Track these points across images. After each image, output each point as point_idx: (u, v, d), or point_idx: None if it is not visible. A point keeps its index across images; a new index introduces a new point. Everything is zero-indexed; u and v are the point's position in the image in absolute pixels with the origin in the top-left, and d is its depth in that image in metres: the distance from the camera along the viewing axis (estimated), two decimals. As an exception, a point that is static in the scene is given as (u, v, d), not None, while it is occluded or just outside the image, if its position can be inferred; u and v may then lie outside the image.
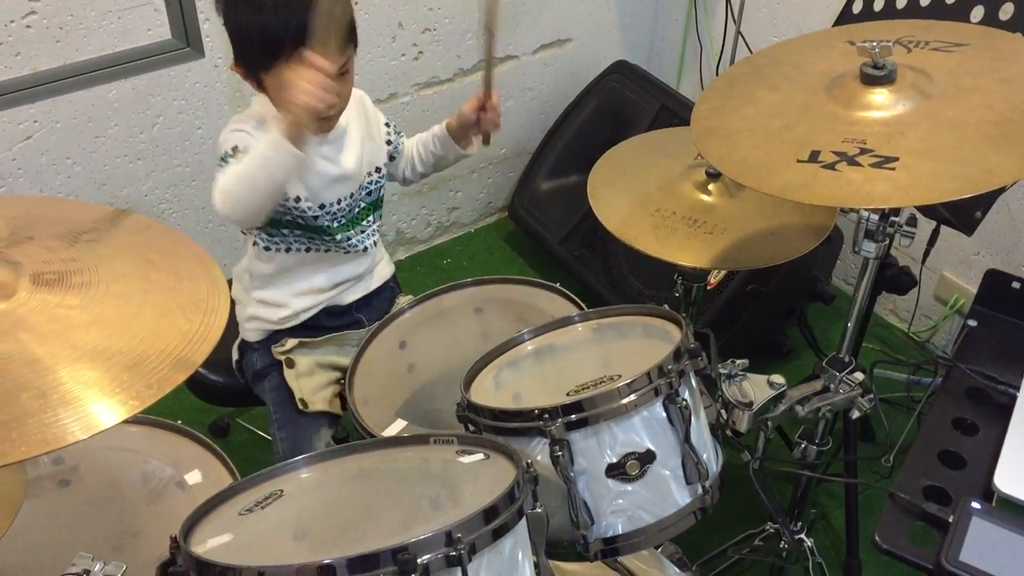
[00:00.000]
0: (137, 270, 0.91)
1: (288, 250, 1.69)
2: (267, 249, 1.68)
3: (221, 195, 1.45)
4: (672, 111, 2.63)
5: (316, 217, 1.64)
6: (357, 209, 1.72)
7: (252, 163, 1.44)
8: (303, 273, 1.72)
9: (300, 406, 1.68)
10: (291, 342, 1.73)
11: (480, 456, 1.22)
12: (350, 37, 1.52)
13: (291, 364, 1.71)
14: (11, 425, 0.73)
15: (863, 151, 1.24)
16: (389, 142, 1.78)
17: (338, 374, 1.76)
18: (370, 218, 1.76)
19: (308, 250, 1.70)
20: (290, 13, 1.43)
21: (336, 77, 1.48)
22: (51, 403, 0.75)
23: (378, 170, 1.75)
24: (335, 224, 1.68)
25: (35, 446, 0.72)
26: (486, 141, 1.79)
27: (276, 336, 1.75)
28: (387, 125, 1.79)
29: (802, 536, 1.79)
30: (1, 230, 0.97)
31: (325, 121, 1.57)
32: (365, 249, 1.75)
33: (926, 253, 2.02)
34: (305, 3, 1.43)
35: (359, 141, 1.69)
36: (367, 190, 1.73)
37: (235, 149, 1.50)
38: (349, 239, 1.71)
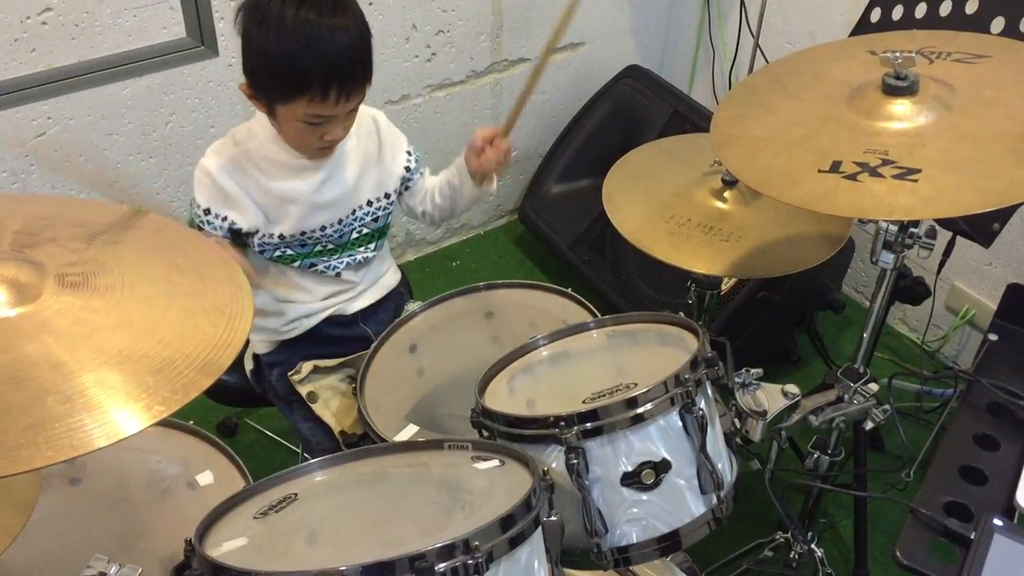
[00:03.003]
0: (161, 273, 0.91)
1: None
2: None
3: None
4: (684, 116, 2.62)
5: (289, 245, 1.62)
6: (354, 234, 1.68)
7: None
8: (278, 279, 1.68)
9: (341, 439, 1.65)
10: (306, 368, 1.70)
11: (495, 462, 1.21)
12: (365, 79, 1.49)
13: (314, 398, 1.69)
14: (37, 429, 0.72)
15: (885, 162, 1.24)
16: (408, 168, 1.72)
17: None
18: (370, 244, 1.71)
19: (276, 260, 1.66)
20: (322, 52, 1.42)
21: (334, 119, 1.49)
22: (77, 408, 0.75)
23: (387, 196, 1.70)
24: (317, 248, 1.65)
25: (62, 451, 0.71)
26: (479, 180, 1.69)
27: (285, 353, 1.73)
28: (409, 153, 1.72)
29: (812, 546, 1.78)
30: (22, 230, 0.97)
31: (323, 151, 1.56)
32: (338, 274, 1.70)
33: (941, 264, 2.02)
34: (338, 41, 1.42)
35: (358, 167, 1.64)
36: (373, 216, 1.69)
37: (194, 200, 1.57)
38: (329, 262, 1.68)
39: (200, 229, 1.58)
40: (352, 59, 1.44)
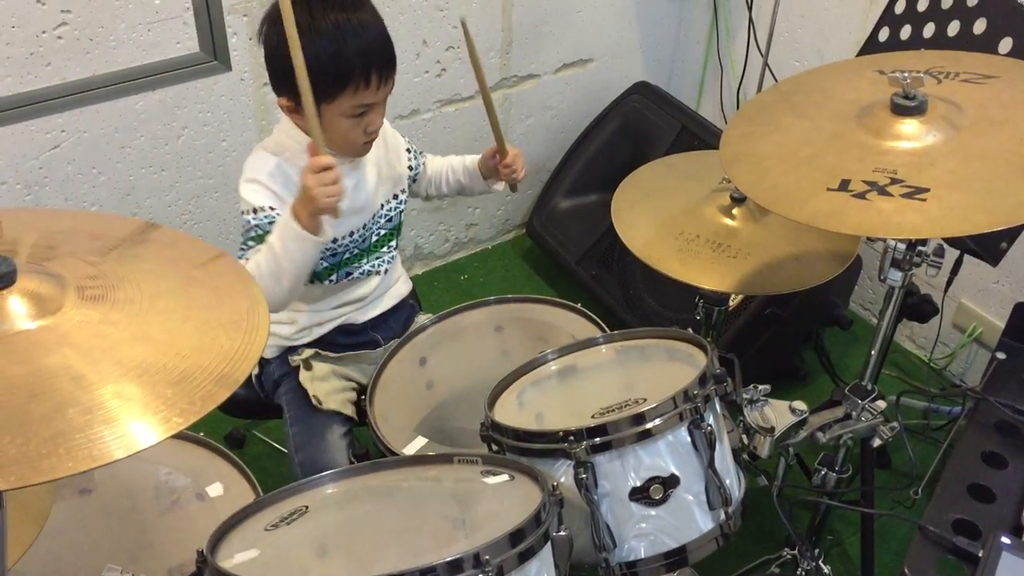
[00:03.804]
0: (179, 286, 0.92)
1: None
2: None
3: None
4: (692, 133, 2.63)
5: (323, 257, 1.64)
6: (375, 237, 1.73)
7: (276, 260, 1.48)
8: (304, 297, 1.72)
9: (314, 402, 1.69)
10: (308, 351, 1.73)
11: (505, 477, 1.22)
12: (395, 64, 1.56)
13: (308, 367, 1.72)
14: (59, 440, 0.73)
15: (894, 181, 1.25)
16: (411, 167, 1.80)
17: (353, 384, 1.77)
18: (391, 243, 1.77)
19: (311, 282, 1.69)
20: (358, 42, 1.49)
21: (375, 106, 1.55)
22: (97, 419, 0.76)
23: (396, 197, 1.76)
24: (347, 255, 1.69)
25: (82, 461, 0.72)
26: (513, 189, 1.84)
27: (292, 351, 1.75)
28: (408, 151, 1.80)
29: (820, 563, 1.78)
30: (39, 243, 0.98)
31: (366, 145, 1.61)
32: (377, 273, 1.76)
33: (948, 282, 2.02)
34: (368, 30, 1.50)
35: (375, 171, 1.70)
36: (386, 216, 1.74)
37: (255, 211, 1.54)
38: (360, 267, 1.73)
39: (264, 236, 1.54)
40: (383, 42, 1.53)
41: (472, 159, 1.83)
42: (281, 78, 1.53)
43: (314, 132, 1.43)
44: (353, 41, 1.48)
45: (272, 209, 1.54)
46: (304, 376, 1.72)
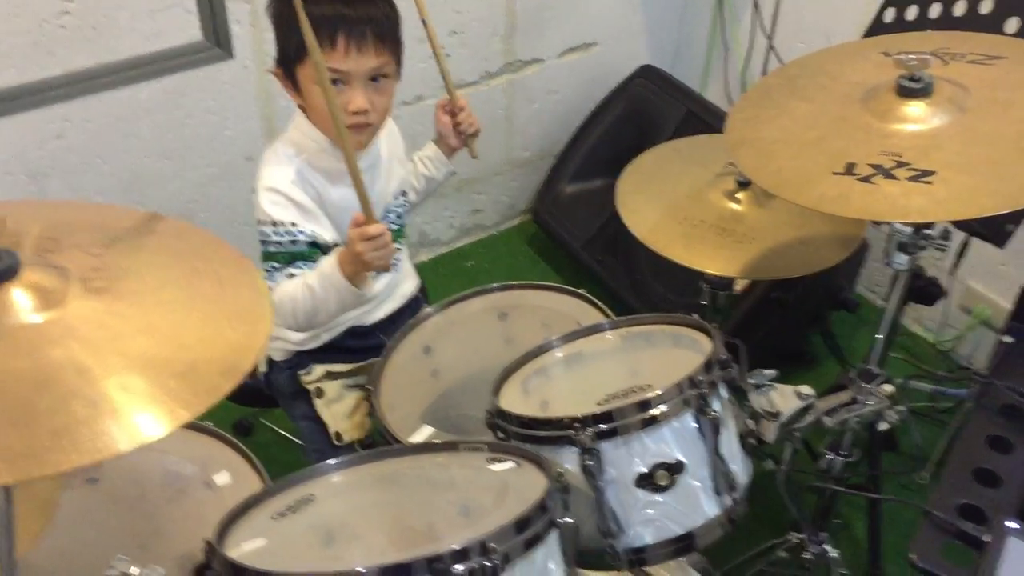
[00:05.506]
0: (182, 278, 0.92)
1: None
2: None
3: (280, 316, 1.53)
4: (697, 116, 2.62)
5: None
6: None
7: (314, 302, 1.50)
8: None
9: (335, 440, 1.68)
10: (317, 371, 1.72)
11: (511, 464, 1.22)
12: (381, 39, 1.49)
13: (320, 394, 1.71)
14: (64, 433, 0.73)
15: (899, 164, 1.24)
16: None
17: (365, 393, 1.75)
18: (400, 241, 1.76)
19: None
20: (336, 5, 1.45)
21: (367, 83, 1.50)
22: (102, 412, 0.76)
23: (404, 194, 1.76)
24: None
25: (88, 454, 0.73)
26: (472, 152, 1.78)
27: (301, 358, 1.74)
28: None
29: (827, 547, 1.78)
30: (43, 235, 0.98)
31: (358, 131, 1.54)
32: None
33: (955, 264, 2.01)
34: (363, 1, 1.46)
35: (389, 165, 1.70)
36: (396, 213, 1.73)
37: (274, 224, 1.52)
38: None
39: (288, 256, 1.55)
40: (362, 12, 1.47)
41: (429, 147, 1.80)
42: (276, 47, 1.54)
43: (361, 199, 1.40)
44: (328, 4, 1.44)
45: (294, 225, 1.53)
46: (319, 404, 1.71)
